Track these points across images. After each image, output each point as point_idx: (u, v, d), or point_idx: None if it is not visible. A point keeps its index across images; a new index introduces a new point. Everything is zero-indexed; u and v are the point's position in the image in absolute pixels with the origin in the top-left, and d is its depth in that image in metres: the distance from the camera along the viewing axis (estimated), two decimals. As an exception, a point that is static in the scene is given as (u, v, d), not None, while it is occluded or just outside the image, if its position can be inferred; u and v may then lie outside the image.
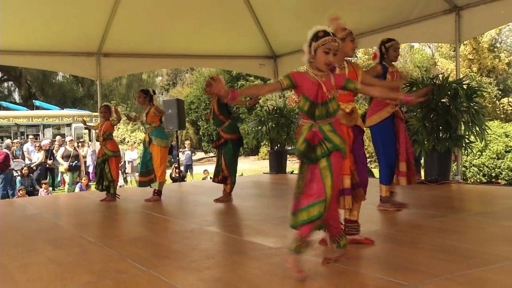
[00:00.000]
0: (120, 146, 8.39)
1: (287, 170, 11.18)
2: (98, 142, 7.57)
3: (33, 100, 26.95)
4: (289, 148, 11.16)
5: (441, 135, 7.95)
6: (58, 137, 18.41)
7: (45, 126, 22.24)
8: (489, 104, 20.55)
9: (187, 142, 20.77)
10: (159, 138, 7.03)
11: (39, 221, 6.13)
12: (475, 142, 8.34)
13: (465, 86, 7.98)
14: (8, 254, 4.25)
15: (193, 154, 20.55)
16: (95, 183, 7.41)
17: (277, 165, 11.11)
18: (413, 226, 4.74)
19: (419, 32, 9.00)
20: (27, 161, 16.27)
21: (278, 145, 11.22)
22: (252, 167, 17.66)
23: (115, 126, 7.57)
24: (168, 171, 10.33)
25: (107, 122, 7.37)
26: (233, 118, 6.79)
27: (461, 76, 8.74)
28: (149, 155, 7.08)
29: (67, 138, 17.17)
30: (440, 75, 8.44)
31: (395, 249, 3.87)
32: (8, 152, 14.39)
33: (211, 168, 7.49)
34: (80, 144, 18.29)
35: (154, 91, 7.43)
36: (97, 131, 7.55)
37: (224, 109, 6.54)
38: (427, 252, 3.67)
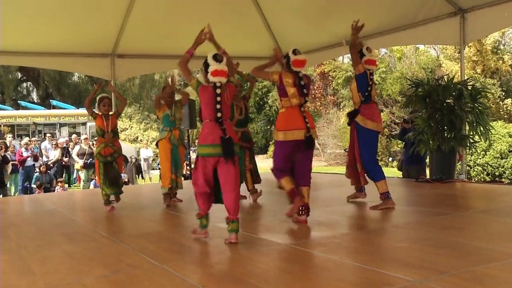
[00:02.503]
0: (133, 145, 8.00)
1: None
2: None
3: (50, 100, 27.13)
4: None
5: (446, 134, 7.89)
6: (74, 136, 18.49)
7: (62, 125, 22.37)
8: (492, 104, 20.39)
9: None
10: (183, 137, 6.55)
11: (56, 216, 6.16)
12: (479, 141, 8.27)
13: (469, 87, 7.93)
14: (27, 247, 4.28)
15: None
16: (106, 187, 6.01)
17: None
18: (418, 223, 4.71)
19: (425, 34, 8.94)
20: (44, 159, 16.38)
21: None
22: (260, 165, 17.67)
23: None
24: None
25: (113, 115, 6.18)
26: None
27: (465, 77, 8.67)
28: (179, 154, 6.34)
29: (82, 137, 17.24)
30: (445, 76, 8.39)
31: (400, 245, 3.84)
32: (24, 151, 14.52)
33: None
34: (95, 142, 18.35)
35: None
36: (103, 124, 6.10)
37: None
38: (432, 249, 3.64)
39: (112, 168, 6.02)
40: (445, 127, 7.88)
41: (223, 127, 4.03)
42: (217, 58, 4.18)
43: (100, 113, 6.09)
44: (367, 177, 5.74)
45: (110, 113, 6.10)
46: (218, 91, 4.07)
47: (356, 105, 5.64)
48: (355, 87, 5.60)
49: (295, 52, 4.93)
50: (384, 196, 5.52)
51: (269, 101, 29.83)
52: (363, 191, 6.13)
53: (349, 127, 5.76)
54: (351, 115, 5.66)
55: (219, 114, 4.03)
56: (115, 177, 6.02)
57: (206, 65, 4.23)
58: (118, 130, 6.29)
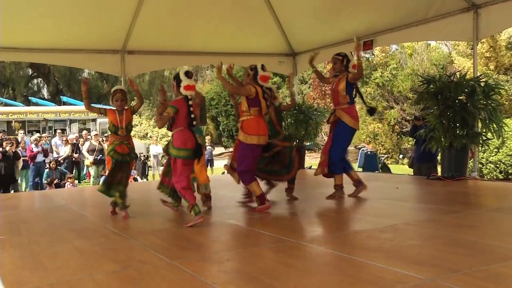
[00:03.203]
0: (143, 141, 7.45)
1: (305, 165, 11.14)
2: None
3: (61, 96, 27.28)
4: (308, 143, 11.12)
5: (458, 132, 7.83)
6: (84, 132, 18.60)
7: (72, 121, 22.51)
8: (506, 101, 20.20)
9: (208, 137, 20.84)
10: (203, 137, 5.90)
11: (66, 212, 6.20)
12: (492, 139, 8.19)
13: (482, 84, 7.85)
14: (38, 243, 4.31)
15: (212, 149, 20.62)
16: (105, 186, 5.36)
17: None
18: (429, 221, 4.69)
19: (436, 30, 8.87)
20: (55, 155, 16.49)
21: (297, 141, 11.18)
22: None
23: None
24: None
25: (128, 110, 5.47)
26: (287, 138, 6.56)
27: (478, 74, 8.60)
28: None
29: (92, 133, 17.34)
30: (457, 73, 8.32)
31: (411, 243, 3.82)
32: (34, 146, 14.62)
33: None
34: (105, 138, 18.44)
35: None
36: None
37: (280, 119, 6.32)
38: (444, 247, 3.61)
39: (122, 170, 5.35)
40: (457, 124, 7.82)
41: (193, 133, 4.84)
42: (188, 74, 4.81)
43: (111, 108, 5.63)
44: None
45: (126, 107, 5.47)
46: (190, 102, 4.77)
47: (341, 104, 6.10)
48: (344, 88, 6.04)
49: (263, 68, 5.67)
50: (339, 187, 6.21)
51: (279, 97, 29.83)
52: (362, 183, 6.28)
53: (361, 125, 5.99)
54: (371, 112, 6.53)
55: (194, 122, 4.79)
56: (120, 180, 5.34)
57: (178, 80, 4.83)
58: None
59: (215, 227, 4.85)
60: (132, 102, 5.80)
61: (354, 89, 6.14)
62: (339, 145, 6.16)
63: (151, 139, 23.65)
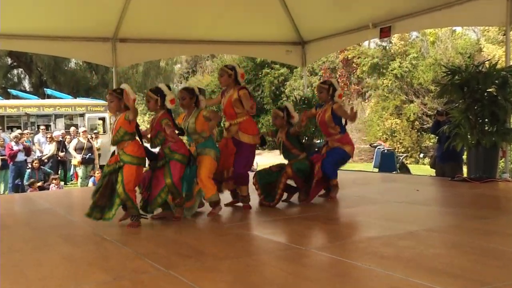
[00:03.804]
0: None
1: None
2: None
3: (44, 88, 27.27)
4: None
5: (486, 128, 7.80)
6: (72, 128, 18.60)
7: (57, 116, 22.48)
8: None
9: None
10: (214, 150, 5.68)
11: (52, 217, 6.23)
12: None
13: (515, 74, 7.80)
14: (20, 250, 4.32)
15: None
16: (91, 207, 5.16)
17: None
18: (454, 227, 4.68)
19: (463, 15, 8.82)
20: (38, 153, 16.52)
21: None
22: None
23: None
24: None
25: (121, 115, 5.14)
26: (306, 148, 6.63)
27: (511, 63, 8.54)
28: (195, 171, 5.65)
29: (80, 129, 17.37)
30: (487, 62, 8.28)
31: (434, 251, 3.81)
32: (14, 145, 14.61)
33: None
34: (94, 135, 18.48)
35: (202, 90, 6.11)
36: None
37: (295, 141, 6.34)
38: (471, 256, 3.60)
39: (109, 181, 5.15)
40: (486, 120, 7.79)
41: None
42: (169, 88, 5.44)
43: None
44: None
45: (117, 112, 5.20)
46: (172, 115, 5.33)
47: (333, 135, 6.43)
48: (331, 119, 6.38)
49: (239, 66, 6.16)
50: (335, 186, 6.48)
51: (286, 90, 29.78)
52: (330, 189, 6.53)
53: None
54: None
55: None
56: (103, 194, 5.15)
57: (162, 93, 5.37)
58: (130, 133, 5.22)
59: (218, 233, 4.87)
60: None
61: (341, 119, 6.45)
62: (332, 160, 6.36)
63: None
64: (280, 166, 6.36)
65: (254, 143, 6.01)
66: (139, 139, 5.24)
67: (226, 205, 6.06)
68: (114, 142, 5.20)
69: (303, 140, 6.70)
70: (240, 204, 6.12)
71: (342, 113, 6.36)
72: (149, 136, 5.54)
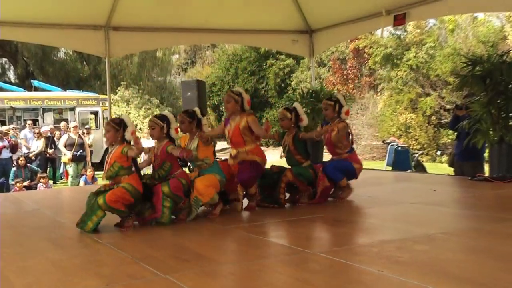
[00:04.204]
0: None
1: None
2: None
3: (31, 80, 27.26)
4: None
5: (510, 123, 7.79)
6: (62, 123, 18.63)
7: (45, 110, 22.51)
8: None
9: (209, 129, 20.82)
10: (219, 175, 5.72)
11: (39, 218, 6.23)
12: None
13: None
14: (4, 255, 4.32)
15: (215, 143, 20.63)
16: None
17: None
18: (474, 230, 4.68)
19: (485, -1, 8.79)
20: (24, 150, 16.55)
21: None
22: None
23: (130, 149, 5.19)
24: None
25: (118, 148, 5.19)
26: (310, 157, 6.60)
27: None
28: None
29: (71, 124, 17.42)
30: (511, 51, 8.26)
31: (452, 256, 3.81)
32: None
33: None
34: (85, 131, 18.51)
35: (203, 112, 6.17)
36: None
37: (301, 148, 6.37)
38: (492, 262, 3.59)
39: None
40: (510, 114, 7.77)
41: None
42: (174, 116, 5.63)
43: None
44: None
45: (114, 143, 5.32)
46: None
47: (341, 155, 6.47)
48: (339, 139, 6.42)
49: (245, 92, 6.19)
50: (347, 186, 6.54)
51: (292, 83, 29.77)
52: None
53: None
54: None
55: None
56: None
57: (168, 121, 5.51)
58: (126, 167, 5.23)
59: (219, 235, 4.88)
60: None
61: (350, 135, 6.59)
62: (336, 165, 6.42)
63: (141, 132, 23.69)
64: (281, 168, 6.39)
65: (264, 164, 6.06)
66: (136, 173, 5.28)
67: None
68: (107, 177, 5.26)
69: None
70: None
71: (342, 136, 6.43)
72: (144, 167, 5.85)
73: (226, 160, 6.28)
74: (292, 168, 6.28)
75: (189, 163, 6.40)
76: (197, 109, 6.02)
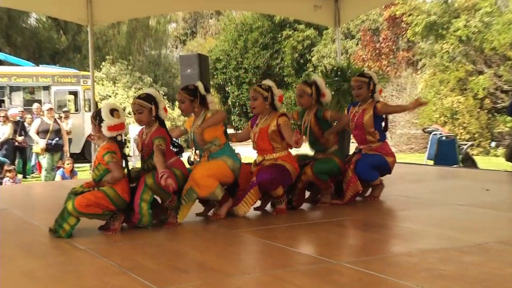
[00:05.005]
0: None
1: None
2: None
3: (-4, 52, 27.38)
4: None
5: None
6: (35, 105, 18.64)
7: (13, 89, 22.52)
8: None
9: (216, 108, 20.81)
10: (232, 159, 5.72)
11: (7, 220, 6.28)
12: None
13: None
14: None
15: (225, 124, 20.63)
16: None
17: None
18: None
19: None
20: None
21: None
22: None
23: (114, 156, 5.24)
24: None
25: (102, 147, 5.31)
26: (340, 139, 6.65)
27: None
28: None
29: (45, 106, 17.39)
30: None
31: (510, 270, 3.80)
32: None
33: (244, 150, 7.28)
34: (63, 114, 18.50)
35: (207, 87, 6.05)
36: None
37: (326, 127, 6.33)
38: None
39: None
40: None
41: None
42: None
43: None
44: None
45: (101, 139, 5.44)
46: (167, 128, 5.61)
47: (369, 143, 6.52)
48: (371, 122, 6.46)
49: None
50: (379, 183, 6.59)
51: (313, 58, 29.74)
52: None
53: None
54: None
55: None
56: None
57: (155, 101, 5.45)
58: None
59: (224, 241, 4.92)
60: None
61: (384, 121, 6.60)
62: (369, 161, 6.42)
63: (130, 117, 23.64)
64: (301, 160, 6.30)
65: (295, 174, 6.01)
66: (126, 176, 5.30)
67: (198, 214, 5.95)
68: (94, 180, 5.32)
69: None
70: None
71: (391, 110, 6.57)
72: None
73: (249, 164, 6.21)
74: (314, 164, 6.18)
75: (184, 150, 6.31)
76: (199, 84, 5.87)
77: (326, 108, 6.45)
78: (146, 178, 5.26)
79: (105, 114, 5.17)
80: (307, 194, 6.45)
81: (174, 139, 5.74)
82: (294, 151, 6.12)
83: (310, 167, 6.16)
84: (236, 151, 5.83)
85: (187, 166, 5.80)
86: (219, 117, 5.71)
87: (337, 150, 6.36)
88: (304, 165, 6.21)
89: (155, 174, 5.17)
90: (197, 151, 5.95)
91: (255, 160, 6.09)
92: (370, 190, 6.63)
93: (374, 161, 6.41)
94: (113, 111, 5.22)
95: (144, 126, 5.59)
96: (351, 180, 6.25)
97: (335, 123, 6.48)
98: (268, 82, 6.19)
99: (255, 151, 6.17)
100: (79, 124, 19.97)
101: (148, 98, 5.47)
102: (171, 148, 5.60)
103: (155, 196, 5.38)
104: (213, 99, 5.96)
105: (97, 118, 5.23)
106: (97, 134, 5.30)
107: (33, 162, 17.77)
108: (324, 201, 6.33)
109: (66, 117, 18.46)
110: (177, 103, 27.17)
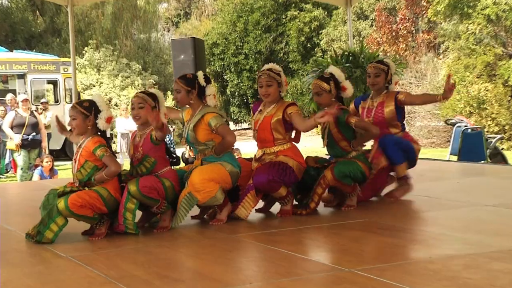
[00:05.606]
0: None
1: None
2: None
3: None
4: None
5: None
6: (8, 96, 18.66)
7: (-17, 78, 22.58)
8: None
9: (215, 102, 20.81)
10: (231, 164, 5.71)
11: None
12: None
13: None
14: None
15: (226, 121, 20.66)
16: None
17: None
18: None
19: None
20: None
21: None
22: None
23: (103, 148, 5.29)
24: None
25: (88, 143, 5.30)
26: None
27: None
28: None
29: (20, 97, 17.41)
30: None
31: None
32: None
33: (244, 145, 7.27)
34: (41, 106, 18.52)
35: (207, 77, 5.98)
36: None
37: (348, 131, 6.17)
38: None
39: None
40: None
41: None
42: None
43: None
44: None
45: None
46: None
47: (393, 134, 6.58)
48: (394, 115, 6.55)
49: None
50: (404, 179, 6.56)
51: (321, 42, 29.74)
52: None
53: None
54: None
55: None
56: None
57: (97, 109, 5.29)
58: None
59: (222, 246, 4.93)
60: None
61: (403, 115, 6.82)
62: (396, 139, 6.50)
63: (117, 109, 23.67)
64: (319, 162, 6.24)
65: (301, 171, 5.97)
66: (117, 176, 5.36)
67: (193, 217, 5.99)
68: (79, 182, 5.32)
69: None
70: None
71: (420, 101, 7.01)
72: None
73: (249, 159, 6.23)
74: (334, 165, 6.06)
75: (181, 159, 6.34)
76: (199, 74, 5.82)
77: (351, 113, 6.30)
78: (129, 185, 5.26)
79: (103, 104, 5.31)
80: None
81: (171, 149, 5.75)
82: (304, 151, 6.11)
83: (331, 169, 6.02)
84: (235, 147, 5.84)
85: (182, 164, 5.83)
86: (227, 146, 5.70)
87: (359, 154, 6.20)
88: (322, 167, 6.12)
89: (139, 180, 5.22)
90: (192, 147, 5.96)
91: (255, 155, 6.08)
92: (386, 189, 6.61)
93: (401, 141, 6.45)
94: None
95: (137, 127, 5.61)
96: (374, 156, 6.28)
97: (358, 134, 6.28)
98: (276, 66, 6.17)
99: (255, 141, 6.17)
100: (59, 117, 19.97)
101: (152, 96, 5.51)
102: (166, 156, 5.62)
103: None
104: (214, 91, 5.90)
105: (92, 108, 5.21)
106: (89, 128, 5.23)
107: (7, 160, 17.79)
108: (349, 204, 6.17)
109: (45, 109, 18.49)
110: (169, 93, 27.35)
